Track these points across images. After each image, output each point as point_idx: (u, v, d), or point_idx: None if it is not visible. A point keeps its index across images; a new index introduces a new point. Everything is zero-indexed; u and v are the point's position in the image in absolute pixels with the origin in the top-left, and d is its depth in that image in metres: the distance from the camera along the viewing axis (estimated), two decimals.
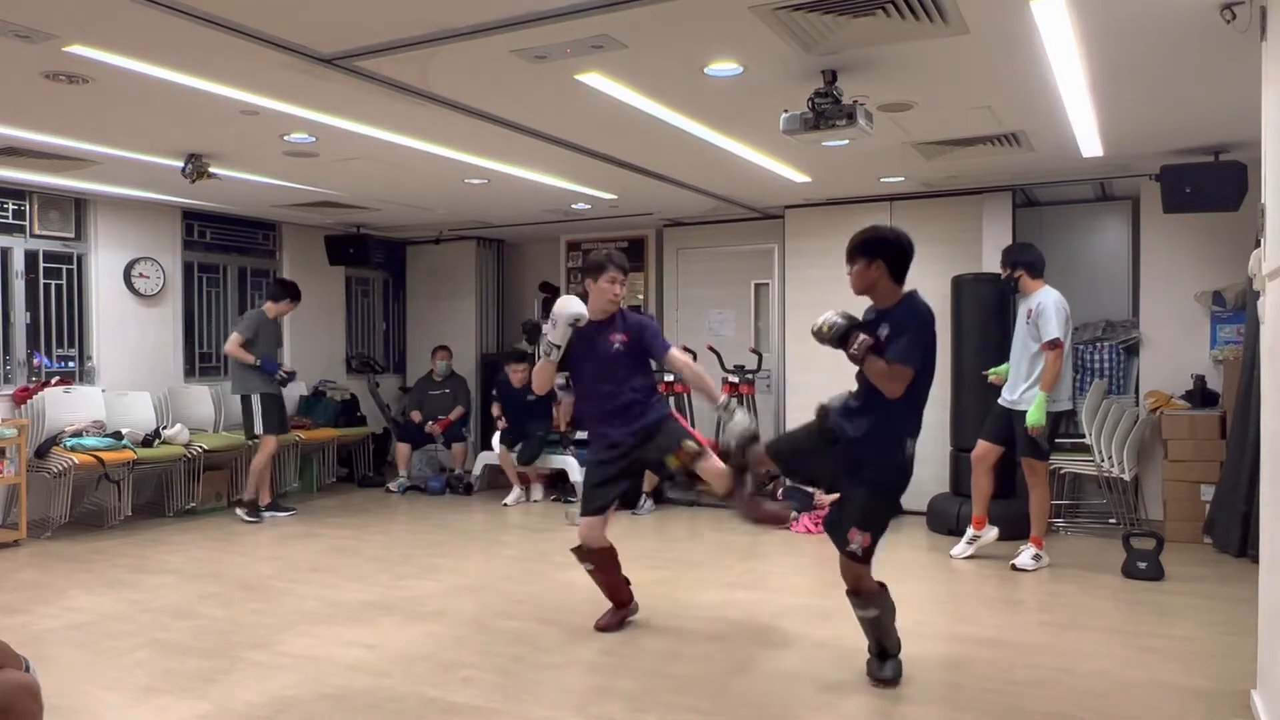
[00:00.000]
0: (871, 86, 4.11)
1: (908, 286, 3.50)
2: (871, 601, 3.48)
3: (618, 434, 4.05)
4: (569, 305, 3.96)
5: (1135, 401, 6.62)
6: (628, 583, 4.26)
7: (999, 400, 5.44)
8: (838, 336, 3.39)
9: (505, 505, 7.37)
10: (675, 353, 4.12)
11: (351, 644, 4.00)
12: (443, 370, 8.69)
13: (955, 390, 6.59)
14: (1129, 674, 3.63)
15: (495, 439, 7.76)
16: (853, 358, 3.36)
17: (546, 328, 3.99)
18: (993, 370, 5.67)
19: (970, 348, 6.39)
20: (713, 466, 3.93)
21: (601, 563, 4.17)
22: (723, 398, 3.90)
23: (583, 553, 4.17)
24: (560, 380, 8.73)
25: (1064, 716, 3.22)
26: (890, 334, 3.34)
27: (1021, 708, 3.30)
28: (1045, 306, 5.20)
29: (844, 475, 3.47)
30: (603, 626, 4.16)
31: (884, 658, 3.54)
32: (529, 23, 3.34)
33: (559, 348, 3.97)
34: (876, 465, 3.39)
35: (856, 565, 3.42)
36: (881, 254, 3.40)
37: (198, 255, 7.96)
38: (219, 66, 3.85)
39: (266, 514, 6.93)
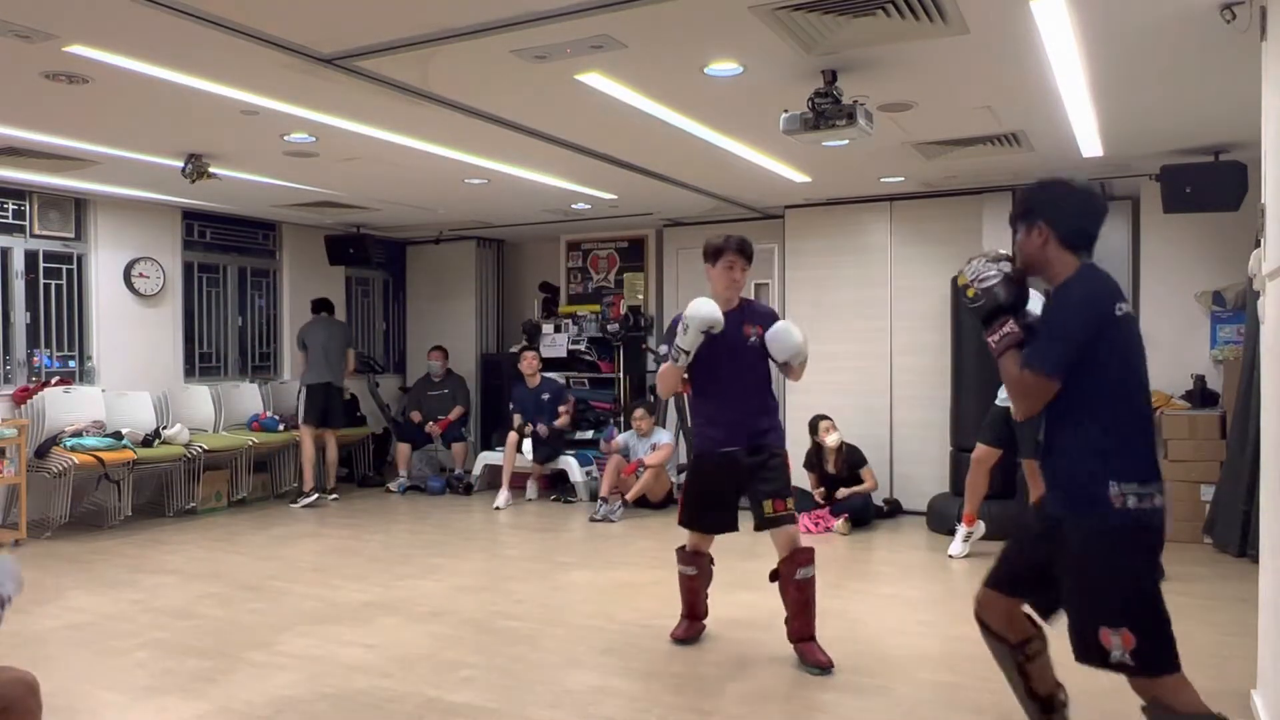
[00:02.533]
0: (871, 86, 4.11)
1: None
2: None
3: (744, 441, 3.75)
4: (703, 308, 3.63)
5: None
6: (706, 598, 4.08)
7: (996, 401, 5.44)
8: (985, 314, 2.44)
9: (497, 509, 7.36)
10: (799, 355, 3.81)
11: (351, 644, 4.00)
12: (439, 370, 8.69)
13: (955, 390, 6.59)
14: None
15: (527, 446, 7.67)
16: (992, 350, 2.45)
17: (678, 330, 3.66)
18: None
19: (970, 348, 6.38)
20: (787, 535, 3.72)
21: (702, 570, 4.00)
22: None
23: (687, 556, 3.99)
24: (560, 380, 8.76)
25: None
26: (1041, 320, 2.41)
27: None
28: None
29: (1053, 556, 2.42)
30: (680, 637, 4.02)
31: None
32: (529, 23, 3.34)
33: (689, 354, 3.64)
34: (1074, 525, 2.33)
35: (1142, 681, 2.33)
36: (1041, 213, 2.43)
37: (198, 255, 7.96)
38: (219, 66, 3.85)
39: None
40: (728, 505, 3.85)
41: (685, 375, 3.79)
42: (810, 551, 3.77)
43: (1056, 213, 2.41)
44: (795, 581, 3.72)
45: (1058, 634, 2.49)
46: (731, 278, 3.82)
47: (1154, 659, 2.26)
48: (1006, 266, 2.45)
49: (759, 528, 3.74)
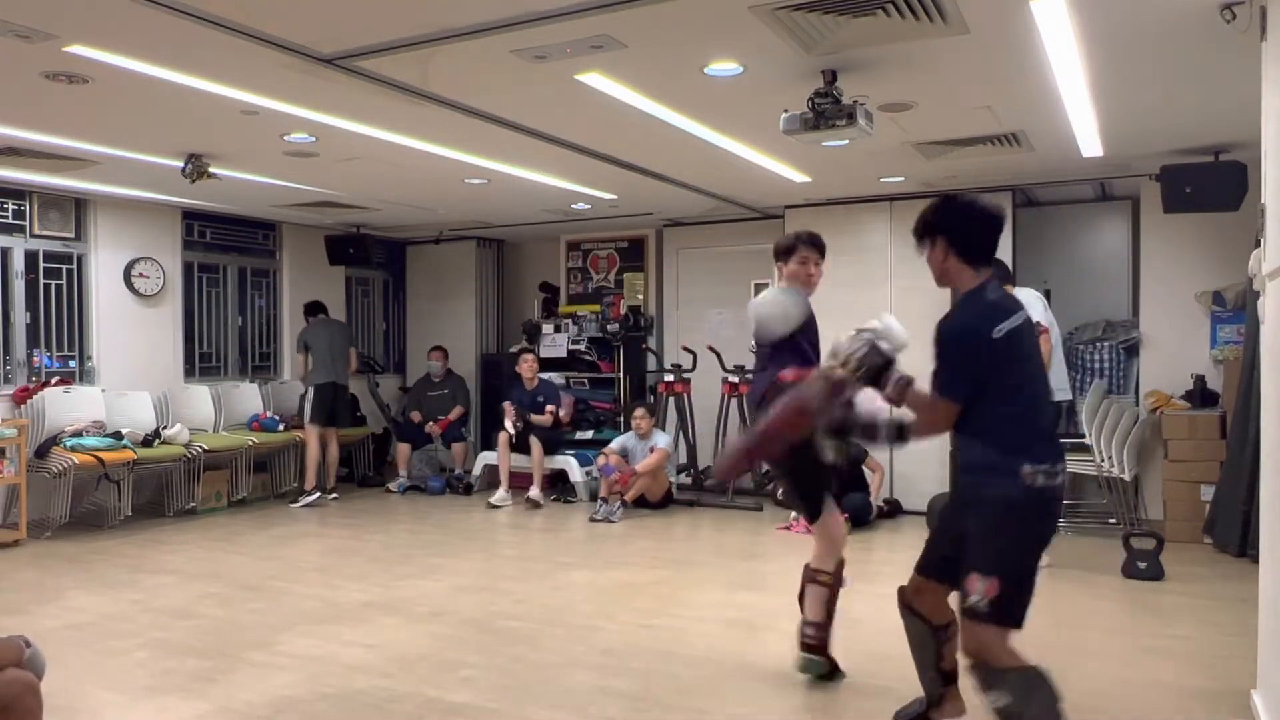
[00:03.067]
0: (871, 86, 4.11)
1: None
2: (998, 682, 2.48)
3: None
4: (796, 308, 3.53)
5: (1135, 401, 6.62)
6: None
7: None
8: (868, 376, 2.63)
9: (492, 505, 7.36)
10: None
11: (351, 644, 4.00)
12: (438, 370, 8.69)
13: None
14: (1129, 674, 3.63)
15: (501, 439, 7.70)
16: (892, 401, 2.66)
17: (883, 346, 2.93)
18: None
19: None
20: (837, 532, 3.55)
21: (837, 573, 3.58)
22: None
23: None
24: (560, 380, 8.75)
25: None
26: (936, 351, 2.61)
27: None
28: (1022, 300, 5.25)
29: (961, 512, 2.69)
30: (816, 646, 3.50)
31: None
32: (529, 23, 3.34)
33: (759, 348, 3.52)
34: (987, 495, 2.57)
35: (978, 627, 2.51)
36: (940, 229, 2.68)
37: (198, 255, 7.96)
38: (219, 66, 3.85)
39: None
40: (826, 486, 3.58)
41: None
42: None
43: (953, 229, 2.66)
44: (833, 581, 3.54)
45: None
46: (808, 272, 3.72)
47: (1008, 610, 2.49)
48: (866, 334, 2.67)
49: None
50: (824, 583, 3.51)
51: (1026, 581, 2.52)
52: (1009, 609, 2.49)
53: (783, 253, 3.74)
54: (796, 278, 3.69)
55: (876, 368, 2.62)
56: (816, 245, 3.73)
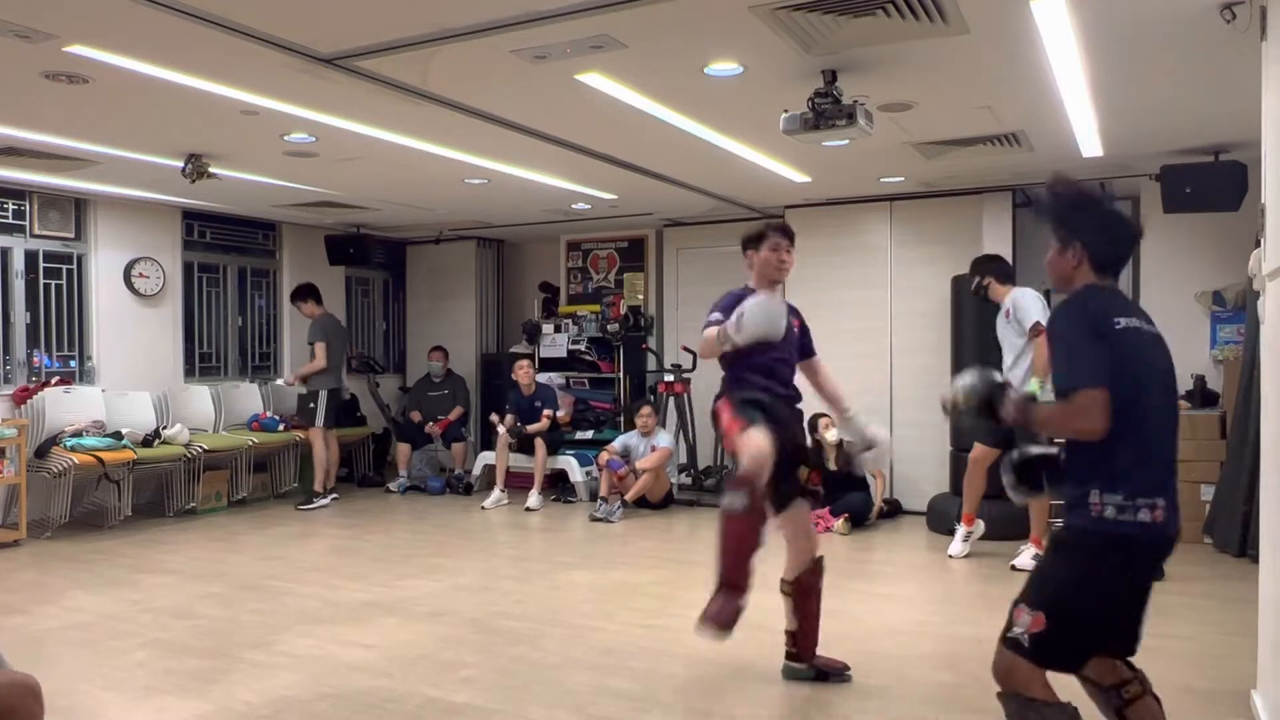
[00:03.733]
0: (871, 86, 4.11)
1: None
2: (1025, 711, 2.33)
3: (793, 431, 3.48)
4: (777, 321, 3.25)
5: None
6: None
7: None
8: (980, 407, 2.45)
9: (483, 509, 7.35)
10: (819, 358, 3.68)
11: (351, 644, 4.00)
12: (438, 370, 8.69)
13: None
14: None
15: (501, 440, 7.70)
16: (1017, 425, 2.41)
17: (736, 326, 3.20)
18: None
19: (970, 348, 6.38)
20: (810, 544, 3.55)
21: (757, 523, 3.24)
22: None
23: (750, 492, 3.13)
24: (560, 380, 8.74)
25: None
26: (1050, 351, 2.33)
27: None
28: (1020, 300, 5.28)
29: None
30: (715, 618, 3.12)
31: None
32: (529, 23, 3.34)
33: (734, 345, 3.26)
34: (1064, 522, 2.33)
35: (1011, 657, 2.33)
36: (1080, 235, 2.33)
37: (198, 255, 7.96)
38: (219, 66, 3.85)
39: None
40: (789, 476, 3.42)
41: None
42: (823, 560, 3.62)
43: (1095, 237, 2.33)
44: (818, 593, 3.59)
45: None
46: (779, 259, 3.55)
47: (1048, 651, 2.27)
48: (970, 378, 2.52)
49: (784, 503, 3.45)
50: (785, 593, 3.55)
51: (1078, 629, 2.26)
52: (1049, 651, 2.27)
53: (753, 240, 3.62)
54: (768, 264, 3.55)
55: (984, 396, 2.44)
56: (787, 233, 3.62)
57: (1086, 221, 2.35)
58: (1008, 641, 2.32)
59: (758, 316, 3.18)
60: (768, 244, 3.57)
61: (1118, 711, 2.45)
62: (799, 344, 3.65)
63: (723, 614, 3.10)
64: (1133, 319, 2.27)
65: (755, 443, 3.11)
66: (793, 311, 3.65)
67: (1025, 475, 2.47)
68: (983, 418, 2.46)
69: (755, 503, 3.11)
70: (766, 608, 4.58)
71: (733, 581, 3.15)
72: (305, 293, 7.84)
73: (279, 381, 7.96)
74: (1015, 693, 2.32)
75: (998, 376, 2.48)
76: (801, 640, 3.55)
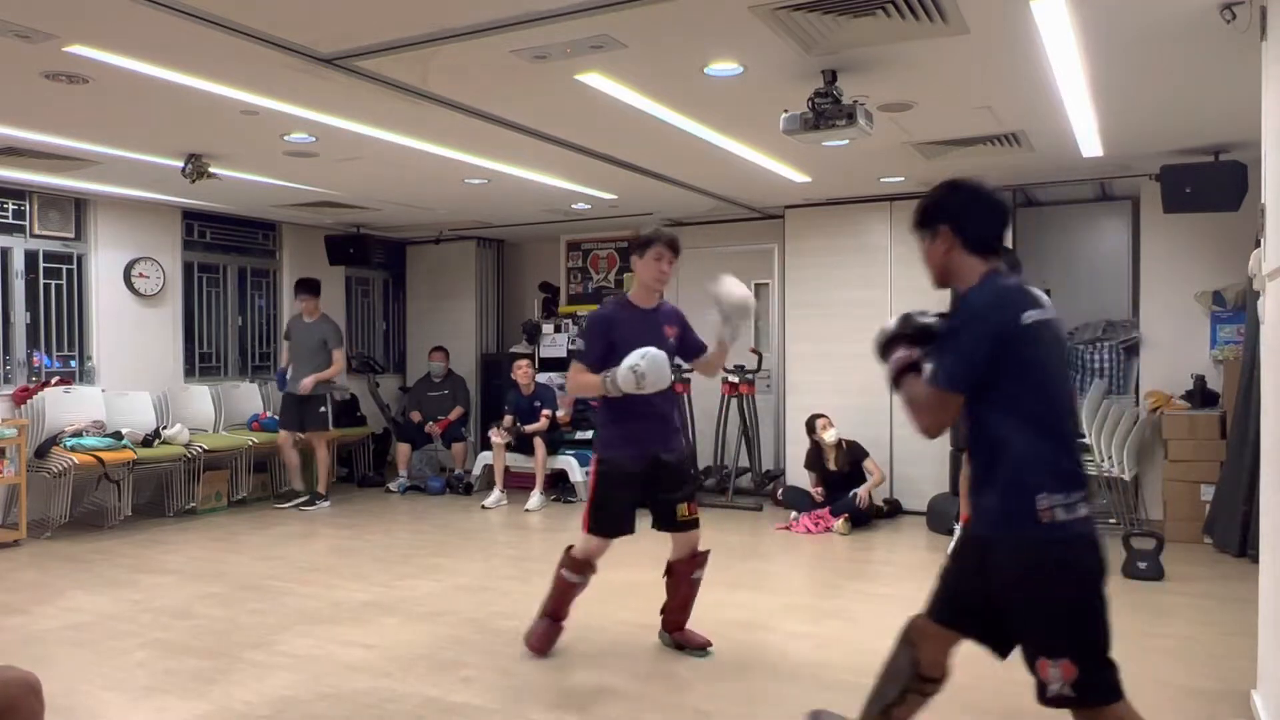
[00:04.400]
0: (871, 86, 4.11)
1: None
2: None
3: (661, 449, 3.74)
4: (663, 369, 3.51)
5: (1135, 401, 6.62)
6: None
7: None
8: (879, 349, 2.38)
9: (484, 507, 7.35)
10: (723, 348, 3.82)
11: (351, 644, 4.00)
12: (439, 370, 8.69)
13: None
14: (1129, 674, 3.60)
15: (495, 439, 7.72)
16: (891, 373, 2.35)
17: (625, 373, 3.47)
18: None
19: None
20: (692, 539, 3.84)
21: (585, 581, 3.87)
22: None
23: (578, 564, 3.84)
24: (560, 380, 8.76)
25: (1064, 716, 3.21)
26: (942, 338, 2.29)
27: (1021, 708, 3.29)
28: None
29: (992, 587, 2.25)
30: (536, 646, 3.85)
31: None
32: (529, 23, 3.34)
33: (621, 393, 3.51)
34: (1003, 546, 2.18)
35: (1085, 714, 2.19)
36: (943, 218, 2.32)
37: (198, 255, 7.96)
38: (219, 66, 3.85)
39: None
40: (633, 509, 3.80)
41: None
42: (707, 555, 3.92)
43: (959, 217, 2.30)
44: (690, 580, 3.88)
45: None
46: (660, 269, 3.71)
47: (1095, 689, 2.15)
48: (896, 318, 2.42)
49: (666, 529, 3.81)
50: (665, 573, 3.90)
51: (1102, 643, 2.15)
52: (1097, 687, 2.15)
53: (640, 246, 3.75)
54: (649, 273, 3.72)
55: (885, 339, 2.36)
56: (672, 245, 3.75)
57: (949, 204, 2.33)
58: (1054, 702, 2.16)
59: (659, 371, 3.49)
60: (651, 252, 3.71)
61: (904, 692, 2.52)
62: (679, 350, 3.83)
63: (546, 637, 3.86)
64: (1038, 311, 2.21)
65: (590, 548, 3.79)
66: (671, 318, 3.81)
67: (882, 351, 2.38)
68: (881, 357, 2.40)
69: (583, 578, 3.83)
70: (767, 610, 4.59)
71: (557, 615, 3.89)
72: (317, 288, 7.57)
73: (299, 389, 7.40)
74: None
75: (921, 321, 2.34)
76: (668, 615, 3.92)
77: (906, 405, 2.27)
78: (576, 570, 3.83)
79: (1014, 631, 2.22)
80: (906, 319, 2.34)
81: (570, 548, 3.90)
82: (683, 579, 3.87)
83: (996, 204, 2.37)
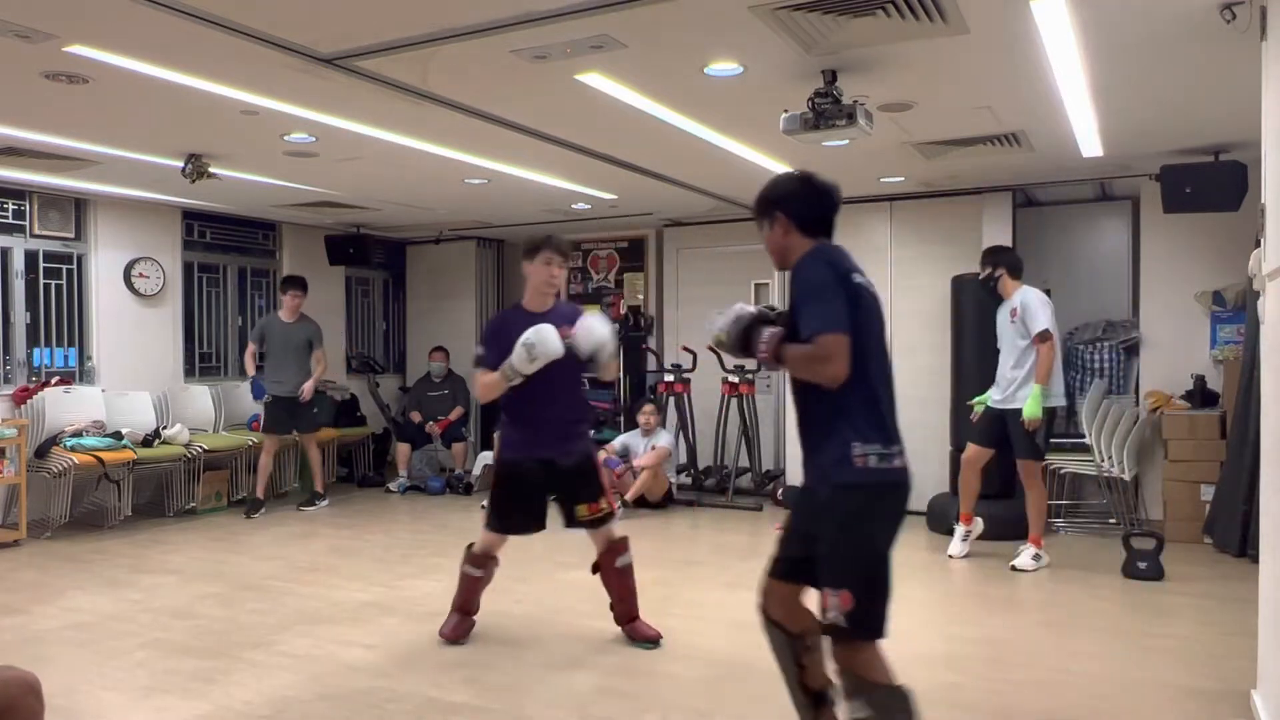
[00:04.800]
0: (871, 86, 4.11)
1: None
2: (865, 691, 2.38)
3: (556, 448, 3.82)
4: (552, 344, 3.59)
5: (1135, 401, 6.62)
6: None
7: (989, 404, 5.45)
8: (738, 340, 2.55)
9: (484, 508, 7.35)
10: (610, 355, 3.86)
11: (351, 644, 4.00)
12: (439, 371, 8.69)
13: (955, 390, 6.59)
14: (1129, 674, 3.63)
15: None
16: (766, 362, 2.50)
17: (518, 350, 3.60)
18: (976, 400, 5.66)
19: (970, 348, 6.38)
20: (603, 534, 3.94)
21: (489, 573, 4.03)
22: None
23: (480, 560, 3.99)
24: None
25: (1063, 716, 3.22)
26: (794, 306, 2.45)
27: (1021, 708, 3.30)
28: (1029, 303, 5.27)
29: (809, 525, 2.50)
30: (451, 637, 3.99)
31: None
32: (529, 23, 3.34)
33: (523, 376, 3.64)
34: (821, 489, 2.43)
35: (845, 642, 2.40)
36: (778, 205, 2.57)
37: (198, 255, 7.96)
38: (219, 66, 3.85)
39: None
40: (536, 507, 3.90)
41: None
42: (626, 540, 4.00)
43: (793, 204, 2.55)
44: (617, 570, 3.97)
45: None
46: (550, 274, 3.86)
47: (866, 622, 2.35)
48: (733, 311, 2.60)
49: (572, 526, 3.91)
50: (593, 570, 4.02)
51: (880, 583, 2.38)
52: (868, 618, 2.36)
53: (529, 251, 3.95)
54: (539, 278, 3.89)
55: (741, 327, 2.55)
56: (561, 250, 3.91)
57: (783, 193, 2.59)
58: (827, 630, 2.41)
59: (546, 341, 3.59)
60: (541, 258, 3.88)
61: (796, 658, 2.63)
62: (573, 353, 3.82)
63: (458, 630, 4.02)
64: (862, 276, 2.47)
65: (487, 543, 3.97)
66: (566, 318, 3.84)
67: (743, 340, 2.57)
68: (739, 350, 2.56)
69: (486, 572, 4.01)
70: None
71: (465, 609, 4.06)
72: (305, 286, 7.43)
73: (301, 396, 7.21)
74: (858, 675, 2.39)
75: (752, 310, 2.57)
76: (614, 609, 4.02)
77: (801, 368, 2.42)
78: (476, 565, 4.01)
79: (817, 559, 2.43)
80: (745, 311, 2.57)
81: (471, 545, 4.06)
82: (609, 571, 3.98)
83: (824, 188, 2.59)
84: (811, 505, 2.47)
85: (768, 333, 2.47)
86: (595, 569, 4.02)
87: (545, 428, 3.83)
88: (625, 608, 4.01)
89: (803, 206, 2.55)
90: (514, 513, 3.91)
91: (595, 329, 3.71)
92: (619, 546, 3.98)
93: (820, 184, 2.59)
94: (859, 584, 2.35)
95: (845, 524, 2.37)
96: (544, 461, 3.82)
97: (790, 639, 2.62)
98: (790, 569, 2.61)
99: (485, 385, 3.78)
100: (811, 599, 2.56)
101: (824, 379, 2.33)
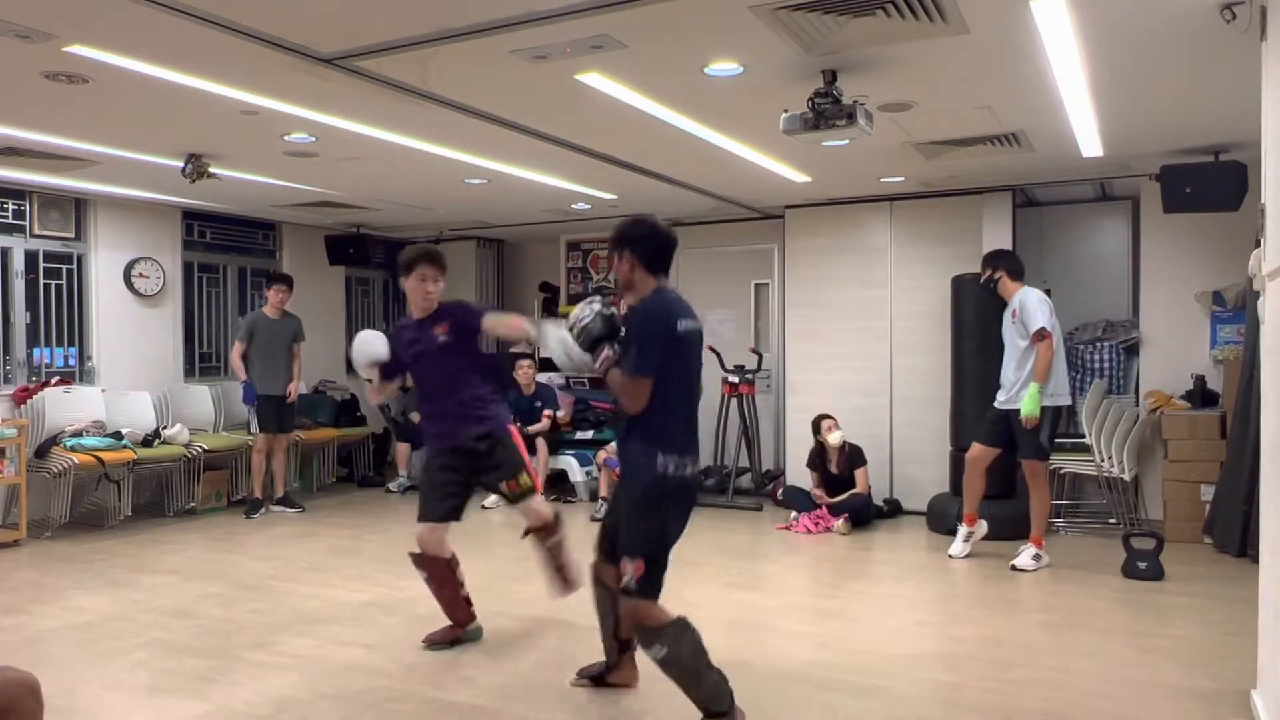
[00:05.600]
0: (871, 86, 4.11)
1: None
2: (656, 638, 2.98)
3: (460, 435, 3.92)
4: (360, 353, 4.04)
5: (1135, 401, 6.62)
6: (468, 603, 4.03)
7: (994, 404, 5.46)
8: (588, 344, 3.07)
9: (484, 507, 7.35)
10: (491, 316, 4.00)
11: (351, 644, 4.00)
12: None
13: (955, 390, 6.59)
14: (1129, 674, 3.63)
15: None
16: (596, 375, 3.12)
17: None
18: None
19: (970, 348, 6.39)
20: (536, 509, 4.02)
21: (437, 574, 3.97)
22: (537, 327, 3.79)
23: (420, 560, 3.98)
24: (560, 380, 8.75)
25: (1063, 716, 3.22)
26: (628, 339, 3.04)
27: (1021, 708, 3.30)
28: (1027, 302, 5.28)
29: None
30: (433, 640, 3.97)
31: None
32: (529, 23, 3.34)
33: (370, 381, 4.14)
34: (631, 485, 3.08)
35: (634, 603, 3.00)
36: (629, 245, 3.11)
37: (198, 255, 7.96)
38: (219, 66, 3.85)
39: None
40: (450, 494, 3.97)
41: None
42: (558, 519, 4.08)
43: (640, 245, 3.10)
44: (547, 549, 4.05)
45: None
46: (425, 289, 3.97)
47: (650, 586, 3.00)
48: (598, 305, 3.07)
49: (512, 505, 4.07)
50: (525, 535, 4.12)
51: (662, 558, 3.02)
52: (652, 583, 3.00)
53: (404, 267, 4.02)
54: (415, 293, 4.01)
55: (594, 338, 3.04)
56: (435, 262, 4.01)
57: (633, 235, 3.13)
58: (625, 591, 3.01)
59: (358, 348, 4.01)
60: (415, 275, 3.99)
61: (615, 611, 3.27)
62: (462, 342, 3.96)
63: (442, 634, 4.00)
64: (691, 321, 3.05)
65: (417, 536, 3.98)
66: (444, 316, 3.98)
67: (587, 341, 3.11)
68: (582, 351, 3.09)
69: (434, 571, 3.98)
70: (767, 610, 4.59)
71: (452, 619, 4.02)
72: (291, 281, 7.37)
73: (288, 399, 7.22)
74: (647, 627, 2.99)
75: (613, 317, 3.07)
76: (549, 576, 4.10)
77: (616, 392, 3.06)
78: (420, 566, 4.00)
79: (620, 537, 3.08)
80: (607, 320, 3.05)
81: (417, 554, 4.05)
82: (540, 550, 4.07)
83: (667, 237, 3.15)
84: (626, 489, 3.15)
85: (604, 355, 3.05)
86: (525, 534, 4.12)
87: (441, 420, 3.98)
88: (565, 578, 4.08)
89: (649, 249, 3.10)
90: (428, 500, 3.99)
91: (557, 338, 3.53)
92: (551, 527, 4.03)
93: (663, 231, 3.14)
94: (649, 554, 3.00)
95: (648, 511, 3.03)
96: (449, 450, 3.95)
97: (612, 596, 3.26)
98: (613, 551, 3.20)
99: (370, 392, 4.19)
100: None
101: (625, 408, 3.03)
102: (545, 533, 4.04)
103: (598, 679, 3.44)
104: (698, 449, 3.14)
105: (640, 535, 3.02)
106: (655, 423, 3.01)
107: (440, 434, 4.00)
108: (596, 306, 3.07)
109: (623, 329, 3.07)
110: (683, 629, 3.00)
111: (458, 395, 3.94)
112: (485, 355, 4.05)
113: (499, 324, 4.01)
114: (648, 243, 3.12)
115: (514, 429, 4.09)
